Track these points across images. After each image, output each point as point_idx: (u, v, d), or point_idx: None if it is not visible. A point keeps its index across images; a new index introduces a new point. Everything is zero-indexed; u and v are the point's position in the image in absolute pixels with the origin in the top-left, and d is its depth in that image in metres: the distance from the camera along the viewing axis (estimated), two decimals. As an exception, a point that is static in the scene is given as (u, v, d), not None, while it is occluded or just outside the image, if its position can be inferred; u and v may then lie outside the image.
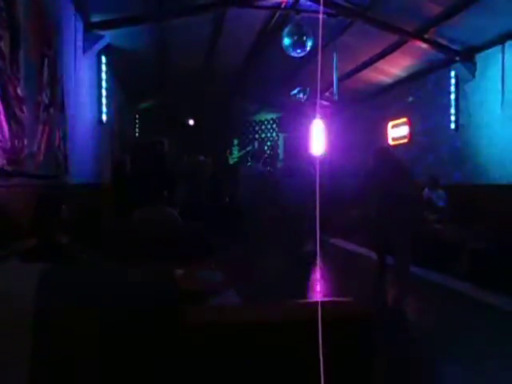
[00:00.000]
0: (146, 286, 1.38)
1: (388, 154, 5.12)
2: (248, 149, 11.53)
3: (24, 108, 3.20)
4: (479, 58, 6.33)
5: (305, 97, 8.41)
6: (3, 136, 2.83)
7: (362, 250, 7.35)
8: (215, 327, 1.47)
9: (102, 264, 2.46)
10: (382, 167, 4.85)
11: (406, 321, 3.99)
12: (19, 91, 3.10)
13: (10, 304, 1.33)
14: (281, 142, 12.25)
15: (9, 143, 2.92)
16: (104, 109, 6.54)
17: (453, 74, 6.80)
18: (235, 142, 11.68)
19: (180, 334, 1.36)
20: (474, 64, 6.40)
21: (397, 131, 8.48)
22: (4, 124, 2.84)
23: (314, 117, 10.95)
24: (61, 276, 1.37)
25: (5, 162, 2.86)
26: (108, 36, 5.63)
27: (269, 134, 13.38)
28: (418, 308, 4.42)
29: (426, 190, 6.49)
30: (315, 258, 5.22)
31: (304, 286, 4.76)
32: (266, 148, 12.15)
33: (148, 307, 1.33)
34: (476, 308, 4.16)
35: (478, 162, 6.33)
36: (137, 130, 11.42)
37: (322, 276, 5.50)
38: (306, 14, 5.87)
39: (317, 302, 1.45)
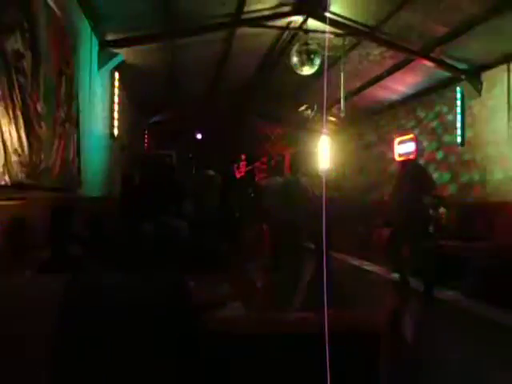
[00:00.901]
0: (161, 294, 1.45)
1: (413, 168, 5.08)
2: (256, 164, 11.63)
3: (42, 123, 3.32)
4: (485, 76, 6.42)
5: (312, 113, 8.53)
6: (23, 151, 2.95)
7: (366, 265, 7.40)
8: (223, 338, 1.52)
9: (114, 275, 2.54)
10: (403, 180, 4.85)
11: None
12: (39, 107, 3.23)
13: (27, 314, 1.39)
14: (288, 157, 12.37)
15: (27, 158, 3.03)
16: (116, 123, 6.70)
17: (459, 91, 6.89)
18: (242, 156, 11.81)
19: (192, 343, 1.42)
20: (480, 82, 6.48)
21: (403, 147, 8.54)
22: (24, 139, 2.96)
23: (321, 132, 11.08)
24: (84, 287, 1.45)
25: (23, 175, 2.97)
26: (122, 53, 5.81)
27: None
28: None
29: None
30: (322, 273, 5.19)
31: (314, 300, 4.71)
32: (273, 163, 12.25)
33: (163, 315, 1.40)
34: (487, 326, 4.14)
35: (484, 178, 6.37)
36: (146, 143, 11.58)
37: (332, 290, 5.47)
38: (314, 33, 6.02)
39: (324, 314, 1.50)
